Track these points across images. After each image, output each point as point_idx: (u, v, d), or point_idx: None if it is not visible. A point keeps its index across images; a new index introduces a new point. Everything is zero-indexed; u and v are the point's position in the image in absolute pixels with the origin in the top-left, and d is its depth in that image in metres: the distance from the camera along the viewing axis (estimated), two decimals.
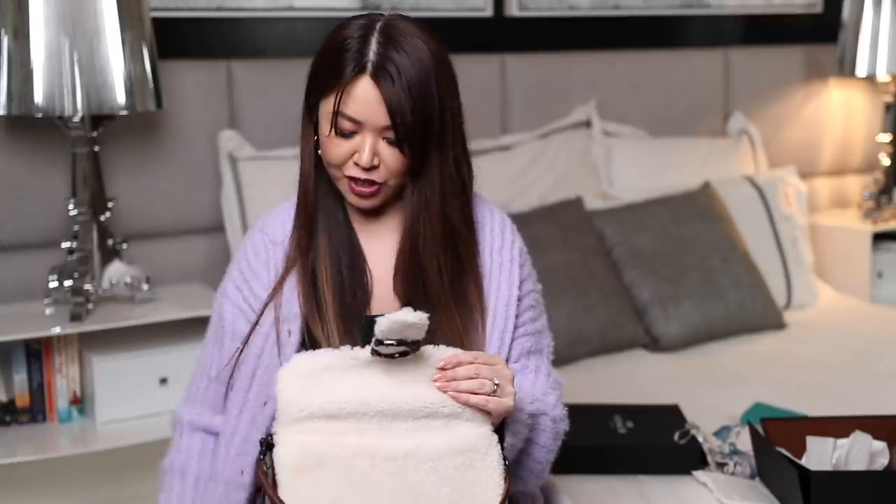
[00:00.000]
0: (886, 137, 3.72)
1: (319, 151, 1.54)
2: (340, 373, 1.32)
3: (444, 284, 1.54)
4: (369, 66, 1.45)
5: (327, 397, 1.31)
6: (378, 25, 1.48)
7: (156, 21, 2.60)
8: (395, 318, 1.28)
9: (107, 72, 2.38)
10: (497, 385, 1.37)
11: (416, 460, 1.32)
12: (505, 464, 1.38)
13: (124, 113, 2.46)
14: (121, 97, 2.41)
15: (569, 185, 3.18)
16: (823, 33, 3.79)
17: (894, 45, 3.54)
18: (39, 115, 2.38)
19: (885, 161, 3.71)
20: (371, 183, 1.50)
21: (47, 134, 2.61)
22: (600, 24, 3.47)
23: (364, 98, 1.46)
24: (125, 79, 2.41)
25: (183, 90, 2.78)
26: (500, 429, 1.44)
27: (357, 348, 1.33)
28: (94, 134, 2.55)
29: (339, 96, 1.46)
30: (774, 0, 3.78)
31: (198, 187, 2.83)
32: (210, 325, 1.65)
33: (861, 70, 3.59)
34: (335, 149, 1.49)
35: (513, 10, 3.32)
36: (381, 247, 1.59)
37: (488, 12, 3.29)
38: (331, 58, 1.49)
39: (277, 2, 2.98)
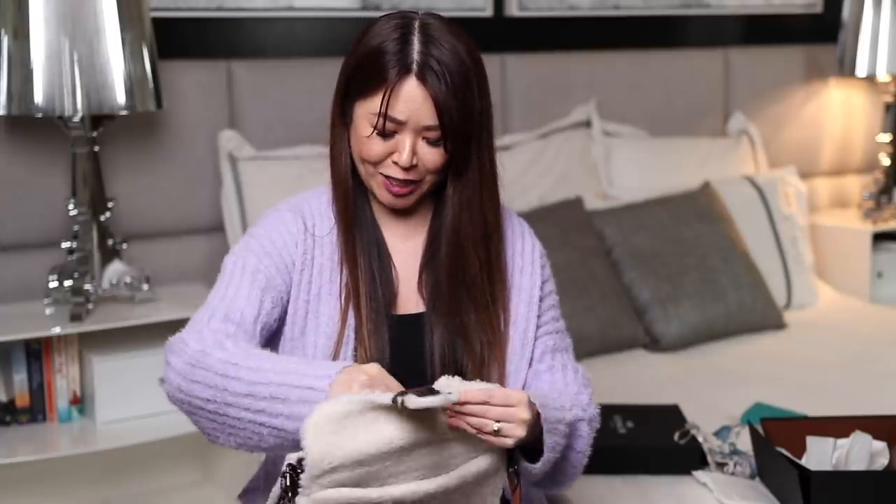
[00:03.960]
0: (886, 137, 3.72)
1: (351, 150, 1.54)
2: (361, 416, 1.32)
3: (485, 282, 1.55)
4: (414, 66, 1.45)
5: (353, 446, 1.31)
6: (416, 24, 1.48)
7: (156, 21, 2.60)
8: (429, 401, 1.28)
9: (107, 72, 2.38)
10: (496, 430, 1.35)
11: (430, 498, 1.35)
12: (515, 469, 1.41)
13: (124, 113, 2.46)
14: (121, 97, 2.41)
15: (569, 185, 3.18)
16: (823, 33, 3.79)
17: (894, 45, 3.54)
18: (39, 115, 2.38)
19: (885, 161, 3.71)
20: (408, 183, 1.50)
21: (47, 134, 2.61)
22: (600, 24, 3.47)
23: (410, 98, 1.45)
24: (125, 79, 2.41)
25: (183, 90, 2.78)
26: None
27: (378, 393, 1.33)
28: (94, 134, 2.55)
29: (386, 98, 1.45)
30: (774, 0, 3.78)
31: (198, 187, 2.83)
32: (223, 274, 1.55)
33: (861, 70, 3.59)
34: (373, 148, 1.49)
35: (513, 10, 3.32)
36: (404, 246, 1.59)
37: (488, 12, 3.29)
38: (370, 59, 1.47)
39: (277, 2, 2.98)
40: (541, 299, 1.63)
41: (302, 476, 1.32)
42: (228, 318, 1.48)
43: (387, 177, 1.51)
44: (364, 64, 1.48)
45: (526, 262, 1.63)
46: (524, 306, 1.60)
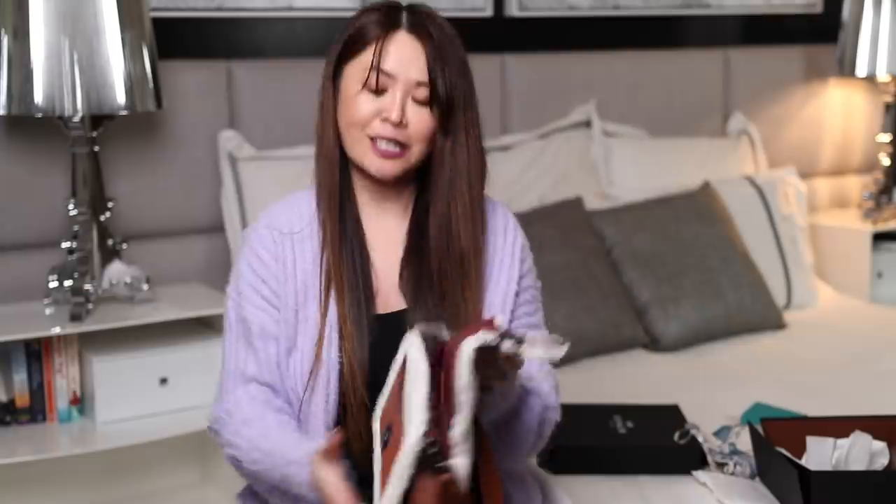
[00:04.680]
0: (886, 137, 3.72)
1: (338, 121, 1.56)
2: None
3: (469, 270, 1.55)
4: (404, 22, 1.51)
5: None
6: (405, 4, 1.55)
7: (156, 21, 2.59)
8: (548, 353, 1.30)
9: (107, 72, 2.38)
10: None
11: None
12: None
13: (124, 113, 2.46)
14: (121, 97, 2.41)
15: (569, 185, 3.18)
16: (823, 33, 3.79)
17: (894, 45, 3.54)
18: (39, 115, 2.38)
19: (885, 161, 3.71)
20: (396, 145, 1.50)
21: (47, 134, 2.61)
22: (600, 24, 3.47)
23: (403, 48, 1.50)
24: (125, 79, 2.40)
25: (183, 90, 2.78)
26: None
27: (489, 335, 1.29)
28: (94, 134, 2.55)
29: (378, 49, 1.49)
30: (774, 0, 3.78)
31: (198, 187, 2.83)
32: (228, 326, 1.59)
33: (861, 70, 3.59)
34: (362, 106, 1.50)
35: (513, 10, 3.32)
36: (387, 240, 1.58)
37: (488, 12, 3.29)
38: (358, 31, 1.52)
39: (277, 2, 2.98)
40: (517, 293, 1.62)
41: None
42: (252, 379, 1.55)
43: (373, 139, 1.51)
44: (353, 36, 1.53)
45: (506, 255, 1.62)
46: (499, 301, 1.59)
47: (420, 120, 1.51)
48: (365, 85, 1.49)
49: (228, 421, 1.54)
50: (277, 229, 1.57)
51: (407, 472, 1.25)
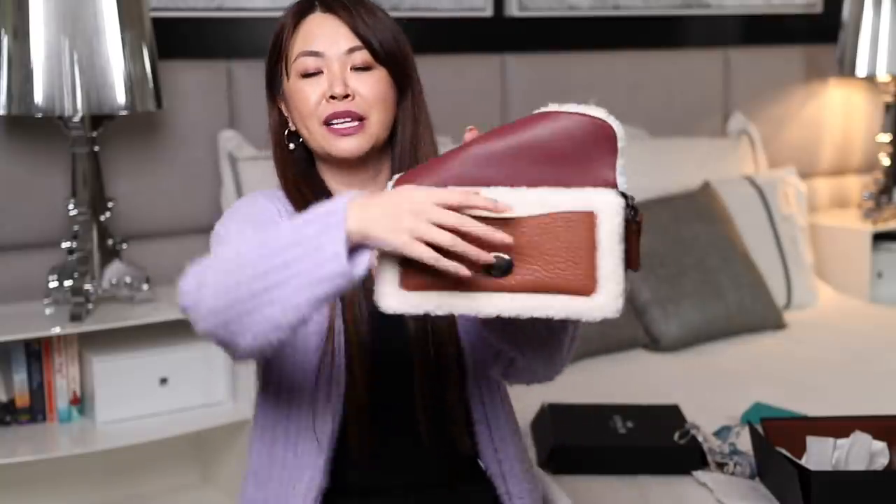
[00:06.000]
0: (886, 137, 3.72)
1: (292, 128, 1.54)
2: None
3: None
4: (317, 5, 1.50)
5: None
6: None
7: (156, 21, 2.59)
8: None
9: (107, 72, 2.38)
10: None
11: None
12: None
13: (124, 113, 2.46)
14: (121, 97, 2.41)
15: None
16: (823, 33, 3.79)
17: (894, 45, 3.54)
18: (39, 115, 2.38)
19: (885, 161, 3.71)
20: (352, 119, 1.47)
21: (47, 134, 2.61)
22: (600, 24, 3.47)
23: (321, 26, 1.49)
24: (125, 79, 2.41)
25: (183, 90, 2.78)
26: None
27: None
28: (94, 134, 2.55)
29: (296, 37, 1.49)
30: (774, 0, 3.79)
31: (198, 187, 2.83)
32: (218, 239, 1.54)
33: (861, 70, 3.59)
34: (306, 93, 1.48)
35: (513, 10, 3.32)
36: None
37: (488, 12, 3.29)
38: (280, 27, 1.53)
39: (277, 2, 2.98)
40: None
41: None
42: (241, 231, 1.47)
43: (328, 123, 1.48)
44: (276, 37, 1.53)
45: None
46: None
47: (366, 85, 1.48)
48: (300, 73, 1.49)
49: (201, 263, 1.39)
50: (281, 202, 1.53)
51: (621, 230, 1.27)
